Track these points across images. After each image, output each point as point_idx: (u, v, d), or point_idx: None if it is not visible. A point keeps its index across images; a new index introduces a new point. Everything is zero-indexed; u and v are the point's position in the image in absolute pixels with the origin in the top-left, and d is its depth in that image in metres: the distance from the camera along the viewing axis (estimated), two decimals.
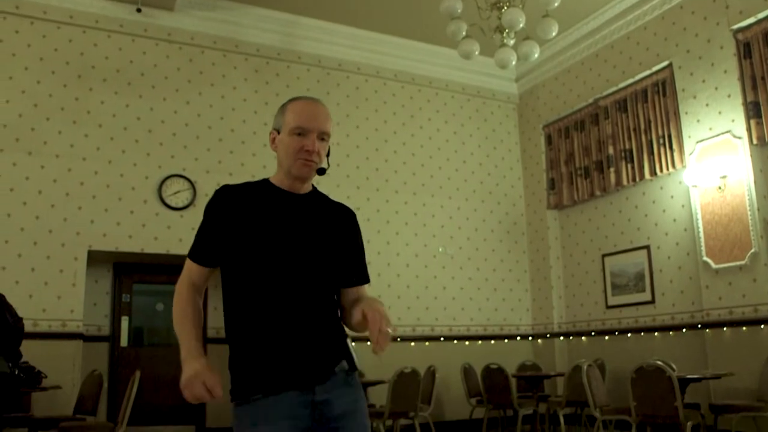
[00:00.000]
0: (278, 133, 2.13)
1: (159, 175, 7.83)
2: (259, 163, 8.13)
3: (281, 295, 2.01)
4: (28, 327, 6.37)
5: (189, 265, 2.16)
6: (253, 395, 2.00)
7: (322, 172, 2.16)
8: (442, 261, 9.18)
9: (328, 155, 2.15)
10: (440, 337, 8.95)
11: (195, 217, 7.91)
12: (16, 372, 5.49)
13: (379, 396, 7.22)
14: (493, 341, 9.25)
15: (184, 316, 2.11)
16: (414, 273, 8.97)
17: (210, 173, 8.07)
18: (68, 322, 7.19)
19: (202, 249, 2.12)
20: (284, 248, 2.03)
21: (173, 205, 7.82)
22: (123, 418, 5.52)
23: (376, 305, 1.93)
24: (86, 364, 7.12)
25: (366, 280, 2.23)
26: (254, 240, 2.03)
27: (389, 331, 1.87)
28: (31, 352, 6.01)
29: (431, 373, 7.38)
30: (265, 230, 2.04)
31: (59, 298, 7.18)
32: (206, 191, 8.00)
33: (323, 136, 2.10)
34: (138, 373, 5.71)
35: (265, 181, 2.16)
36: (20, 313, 5.54)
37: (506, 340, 9.36)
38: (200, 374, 1.94)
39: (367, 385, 7.22)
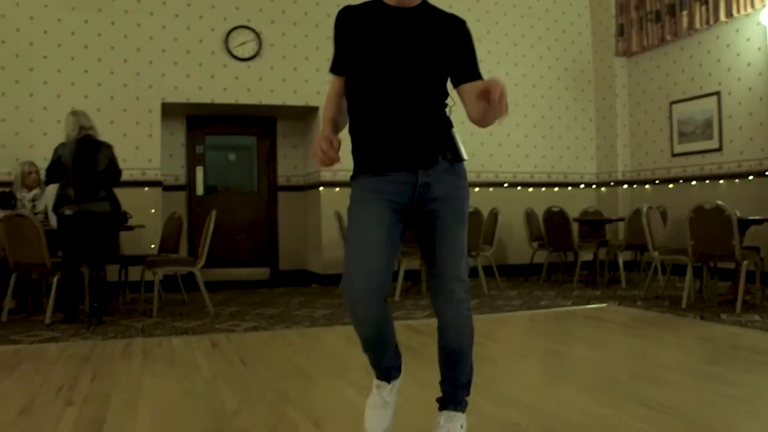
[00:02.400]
0: None
1: (225, 27, 7.94)
2: (322, 11, 8.10)
3: (390, 93, 2.30)
4: None
5: (332, 78, 2.47)
6: (365, 173, 2.33)
7: None
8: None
9: None
10: (504, 183, 9.10)
11: (261, 68, 8.07)
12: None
13: None
14: (556, 188, 9.36)
15: (326, 109, 2.45)
16: None
17: (275, 23, 8.14)
18: (147, 171, 7.64)
19: (334, 61, 2.42)
20: (393, 53, 2.30)
21: (240, 56, 7.98)
22: (202, 252, 5.97)
23: (498, 80, 2.11)
24: (166, 211, 7.58)
25: (477, 76, 2.40)
26: (367, 49, 2.31)
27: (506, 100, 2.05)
28: None
29: (494, 215, 7.59)
30: (376, 40, 2.31)
31: (137, 149, 7.59)
32: (271, 41, 8.10)
33: None
34: (214, 212, 6.11)
35: (377, 1, 2.38)
36: None
37: (570, 188, 9.46)
38: (321, 139, 2.25)
39: None
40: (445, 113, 2.41)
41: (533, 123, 9.30)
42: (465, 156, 2.39)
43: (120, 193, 6.23)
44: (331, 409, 2.95)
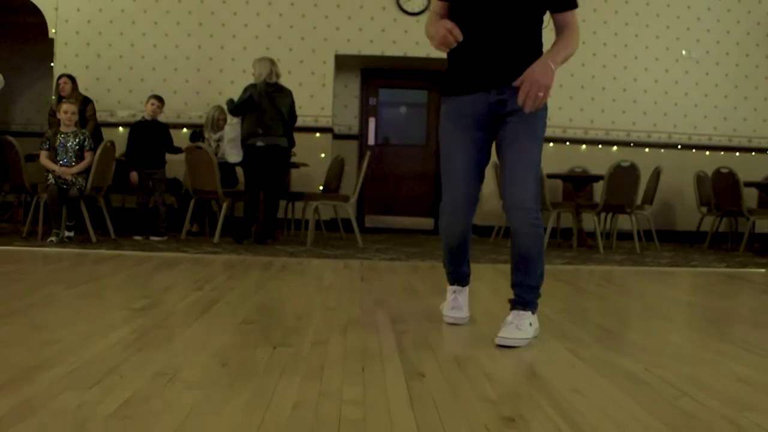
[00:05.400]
0: None
1: None
2: None
3: (482, 18, 2.59)
4: None
5: (433, 3, 2.81)
6: (450, 93, 2.73)
7: None
8: (685, 66, 8.71)
9: None
10: (677, 145, 8.68)
11: None
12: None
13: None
14: (737, 153, 8.76)
15: (429, 24, 2.66)
16: (653, 77, 8.65)
17: None
18: (319, 118, 8.25)
19: None
20: None
21: (409, 10, 8.32)
22: (355, 190, 6.42)
23: (535, 75, 2.39)
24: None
25: (567, 5, 2.60)
26: None
27: (539, 95, 2.39)
28: None
29: (656, 173, 7.31)
30: None
31: (312, 97, 8.21)
32: None
33: None
34: (369, 153, 6.53)
35: None
36: None
37: (753, 153, 8.81)
38: (441, 21, 2.53)
39: (588, 180, 7.42)
40: (535, 40, 2.61)
41: (715, 82, 8.75)
42: None
43: (295, 137, 6.84)
44: (412, 315, 3.18)
